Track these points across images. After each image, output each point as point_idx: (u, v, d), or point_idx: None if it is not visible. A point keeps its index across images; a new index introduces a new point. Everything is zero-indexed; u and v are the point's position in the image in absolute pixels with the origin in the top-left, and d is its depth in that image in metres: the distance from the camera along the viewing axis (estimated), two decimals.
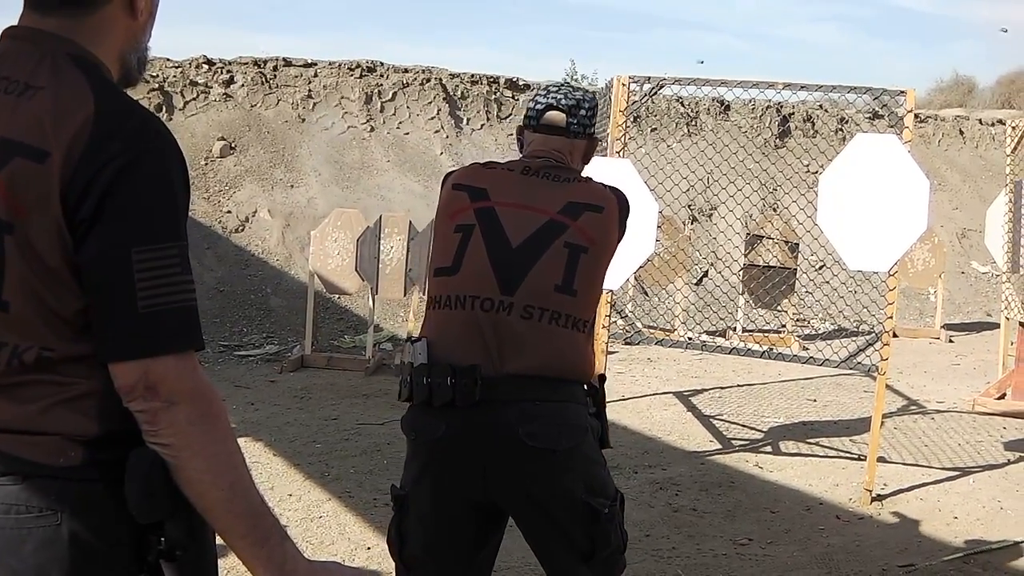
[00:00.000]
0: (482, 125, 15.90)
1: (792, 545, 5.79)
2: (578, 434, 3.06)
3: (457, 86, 15.92)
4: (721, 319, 11.88)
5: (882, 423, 8.26)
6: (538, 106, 3.31)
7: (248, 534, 1.80)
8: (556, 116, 3.28)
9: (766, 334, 11.95)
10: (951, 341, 12.95)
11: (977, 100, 32.27)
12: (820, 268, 16.18)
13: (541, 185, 3.19)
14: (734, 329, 11.91)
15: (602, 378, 3.28)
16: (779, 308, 12.29)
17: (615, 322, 6.98)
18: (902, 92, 6.43)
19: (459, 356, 3.00)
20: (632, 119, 17.02)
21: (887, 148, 6.29)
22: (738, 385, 9.64)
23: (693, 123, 17.67)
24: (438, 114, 15.53)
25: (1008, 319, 9.43)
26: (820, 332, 13.14)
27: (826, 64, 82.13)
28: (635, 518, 6.06)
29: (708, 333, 11.65)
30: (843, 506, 6.45)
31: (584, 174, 3.37)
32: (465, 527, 3.12)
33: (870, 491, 6.48)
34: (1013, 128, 9.18)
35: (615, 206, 3.21)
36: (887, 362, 6.43)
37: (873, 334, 6.58)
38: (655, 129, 16.89)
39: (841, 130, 19.85)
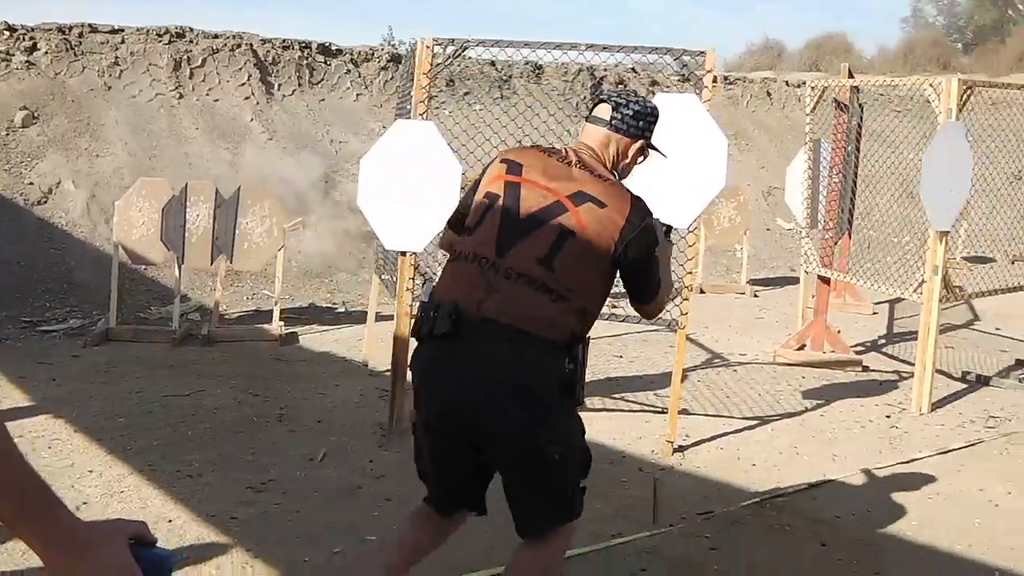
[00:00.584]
0: (294, 91, 15.66)
1: (596, 499, 5.84)
2: (548, 379, 3.42)
3: (268, 52, 15.65)
4: None
5: (685, 376, 8.52)
6: (595, 100, 3.88)
7: (19, 510, 1.65)
8: (603, 109, 3.80)
9: None
10: (756, 296, 13.31)
11: (786, 63, 33.16)
12: None
13: (566, 171, 3.64)
14: None
15: (585, 342, 3.60)
16: None
17: (419, 284, 6.96)
18: (702, 53, 6.55)
19: (451, 298, 3.44)
20: (446, 83, 17.16)
21: (687, 107, 6.41)
22: None
23: (506, 86, 17.74)
24: (249, 80, 15.23)
25: (807, 273, 9.75)
26: None
27: (649, 29, 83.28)
28: None
29: None
30: (646, 458, 6.60)
31: (614, 178, 3.76)
32: (450, 451, 3.61)
33: (672, 443, 6.64)
34: (812, 89, 9.45)
35: (623, 209, 3.55)
36: (687, 316, 6.59)
37: (676, 289, 6.70)
38: (468, 93, 16.91)
39: (652, 92, 20.17)
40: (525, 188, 3.58)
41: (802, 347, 9.39)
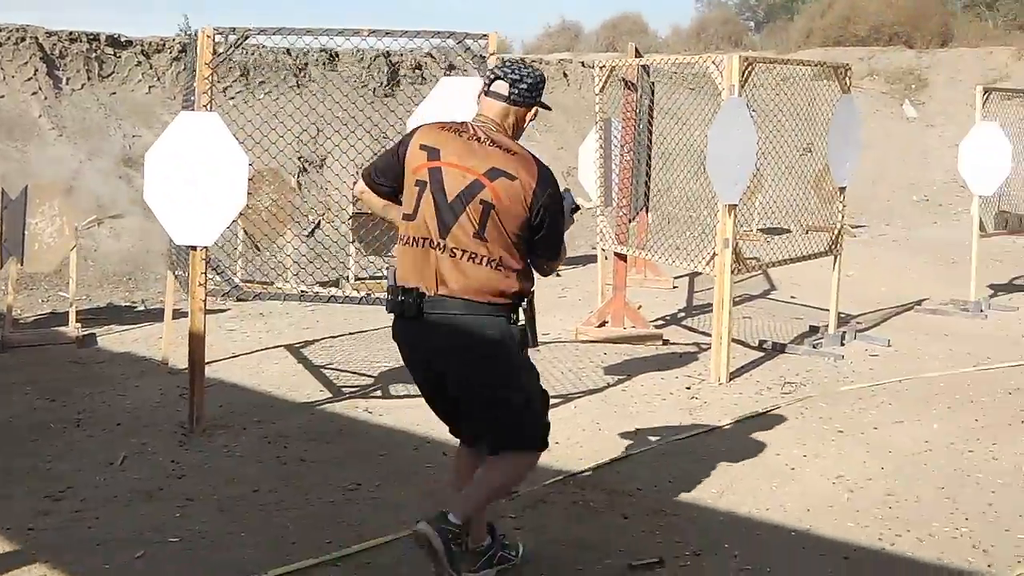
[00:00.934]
0: (83, 85, 15.14)
1: (400, 485, 5.85)
2: (488, 339, 4.19)
3: (55, 45, 15.09)
4: (333, 269, 11.85)
5: None
6: (491, 76, 4.36)
7: None
8: (500, 85, 4.29)
9: (379, 281, 12.01)
10: (559, 275, 13.37)
11: (583, 44, 33.51)
12: None
13: (478, 149, 4.19)
14: (347, 278, 11.88)
15: (530, 297, 4.32)
16: (391, 254, 12.32)
17: (212, 279, 6.79)
18: (484, 36, 6.54)
19: (410, 280, 4.21)
20: (240, 73, 16.83)
21: (471, 90, 6.38)
22: (350, 333, 9.64)
23: (302, 74, 17.50)
24: (35, 75, 14.67)
25: (603, 251, 9.85)
26: None
27: (457, 12, 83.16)
28: (242, 474, 5.99)
29: (321, 284, 11.60)
30: (450, 442, 6.51)
31: (517, 143, 4.31)
32: (433, 390, 4.47)
33: None
34: (601, 69, 9.52)
35: (531, 180, 4.16)
36: None
37: None
38: (263, 82, 16.62)
39: (448, 75, 20.13)
40: (446, 172, 4.17)
41: (603, 324, 9.48)
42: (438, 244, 4.15)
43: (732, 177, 7.74)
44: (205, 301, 6.70)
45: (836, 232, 9.32)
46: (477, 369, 4.26)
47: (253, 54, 16.93)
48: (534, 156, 4.30)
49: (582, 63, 22.05)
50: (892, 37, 28.43)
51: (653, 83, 10.47)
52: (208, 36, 6.58)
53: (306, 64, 17.61)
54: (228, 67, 16.72)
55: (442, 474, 5.94)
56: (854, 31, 29.09)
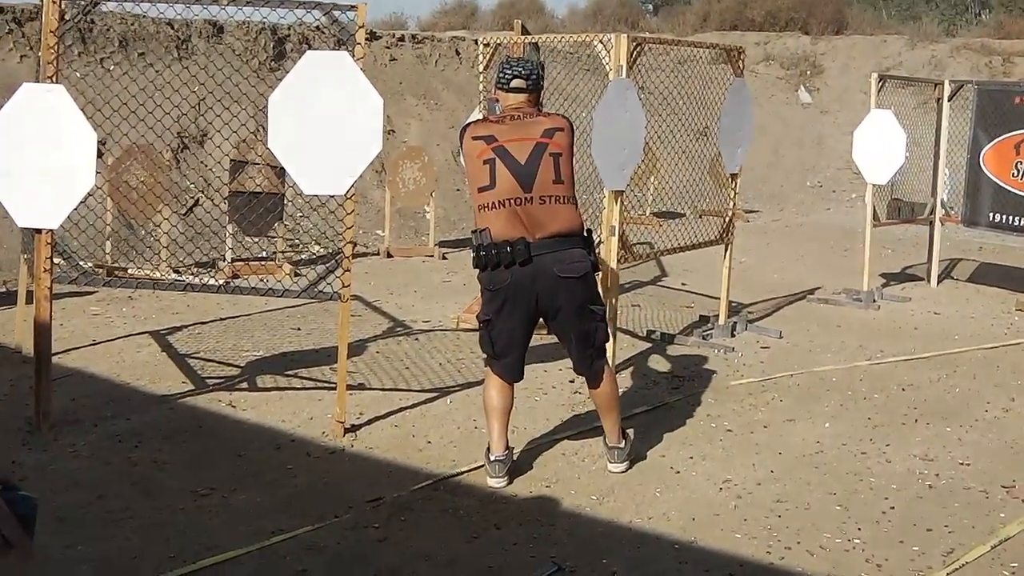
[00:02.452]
0: None
1: (257, 490, 5.42)
2: (585, 266, 5.35)
3: None
4: (213, 248, 11.35)
5: (364, 348, 8.14)
6: (507, 75, 5.52)
7: None
8: (519, 82, 5.50)
9: (262, 262, 11.53)
10: (445, 258, 12.97)
11: (479, 23, 33.03)
12: None
13: (523, 124, 5.40)
14: (223, 259, 11.38)
15: (590, 231, 5.49)
16: (271, 235, 11.87)
17: (57, 264, 6.26)
18: (353, 7, 6.09)
19: (509, 234, 5.21)
20: (118, 43, 16.14)
21: (337, 65, 5.95)
22: (221, 319, 9.09)
23: (184, 47, 16.86)
24: None
25: None
26: (317, 256, 12.83)
27: None
28: (88, 477, 5.54)
29: (197, 265, 11.10)
30: (316, 441, 6.15)
31: (544, 110, 5.70)
32: (526, 329, 5.46)
33: (342, 423, 6.21)
34: (485, 46, 9.10)
35: (568, 126, 5.47)
36: (349, 288, 6.15)
37: (335, 260, 6.26)
38: (143, 53, 15.94)
39: (334, 49, 19.57)
40: (509, 145, 5.30)
41: None
42: (526, 199, 5.23)
43: (618, 162, 7.39)
44: (51, 287, 6.18)
45: (727, 220, 9.03)
46: (582, 291, 5.35)
47: (132, 24, 16.26)
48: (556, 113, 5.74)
49: (475, 41, 21.59)
50: (788, 23, 28.41)
51: (543, 63, 10.08)
52: (54, 2, 6.04)
53: (189, 36, 16.97)
54: (107, 37, 16.10)
55: (305, 476, 5.56)
56: (750, 16, 29.01)
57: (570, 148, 5.44)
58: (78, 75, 13.51)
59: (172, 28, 16.75)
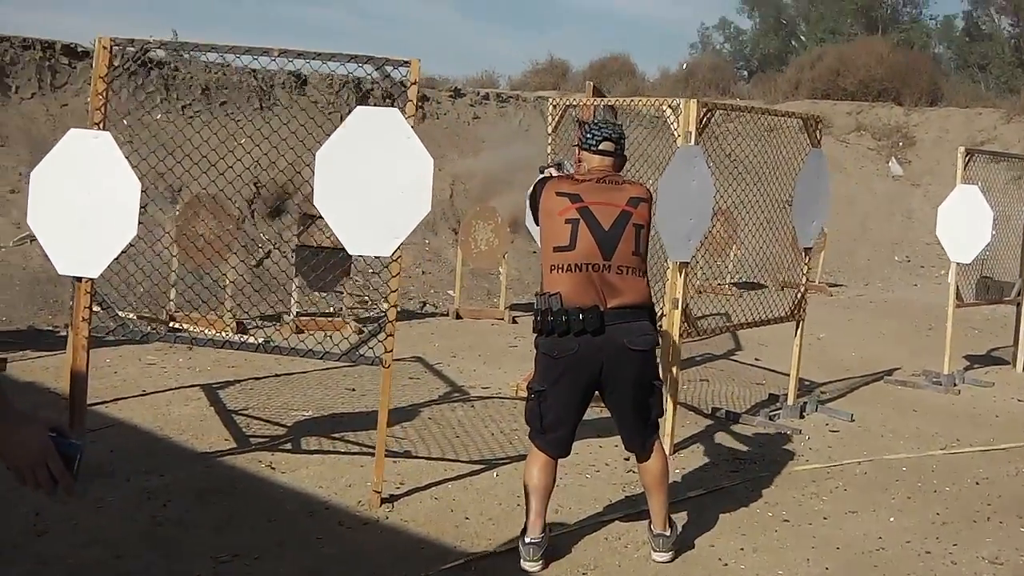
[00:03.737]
0: (33, 94, 14.55)
1: (281, 559, 5.18)
2: (653, 340, 5.22)
3: (6, 51, 14.48)
4: (279, 301, 11.23)
5: (418, 413, 7.90)
6: (597, 138, 5.36)
7: None
8: (609, 146, 5.34)
9: (328, 318, 11.38)
10: (515, 322, 12.74)
11: (570, 83, 32.97)
12: None
13: (610, 189, 5.21)
14: (289, 313, 11.24)
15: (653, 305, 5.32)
16: (338, 291, 11.73)
17: (96, 312, 6.11)
18: (406, 63, 5.90)
19: (582, 301, 4.99)
20: (201, 91, 16.22)
21: (388, 122, 5.76)
22: (276, 375, 8.92)
23: (267, 96, 16.92)
24: None
25: None
26: (381, 315, 12.65)
27: (438, 42, 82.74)
28: (109, 535, 5.32)
29: (263, 317, 10.98)
30: (351, 510, 5.90)
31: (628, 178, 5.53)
32: (582, 402, 5.19)
33: (379, 492, 5.95)
34: (554, 107, 8.89)
35: (650, 197, 5.34)
36: (391, 354, 5.91)
37: (380, 323, 6.04)
38: (224, 103, 15.99)
39: (422, 107, 19.56)
40: (595, 208, 5.11)
41: None
42: (605, 266, 5.05)
43: (684, 232, 7.10)
44: (89, 337, 6.04)
45: (799, 295, 8.68)
46: (646, 364, 5.16)
47: (216, 72, 16.34)
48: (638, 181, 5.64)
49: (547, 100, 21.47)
50: (880, 93, 27.95)
51: (621, 124, 9.84)
52: (104, 47, 5.94)
53: (272, 86, 17.03)
54: (190, 84, 16.18)
55: (332, 547, 5.30)
56: (843, 85, 28.60)
57: (650, 220, 5.32)
58: (158, 122, 13.54)
59: (256, 79, 16.83)
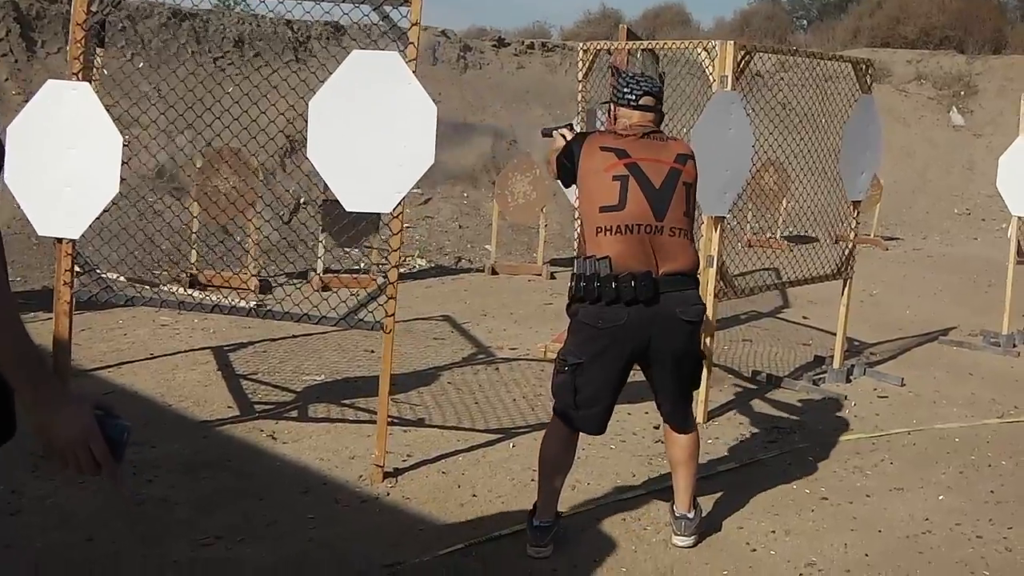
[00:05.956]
0: (59, 49, 14.15)
1: (266, 542, 4.76)
2: (703, 310, 4.79)
3: (32, 5, 14.10)
4: (300, 257, 10.82)
5: (437, 377, 7.46)
6: (637, 92, 4.86)
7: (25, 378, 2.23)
8: (650, 100, 4.87)
9: (355, 275, 10.94)
10: (553, 277, 12.23)
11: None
12: (426, 202, 15.39)
13: (656, 145, 4.77)
14: (315, 270, 10.82)
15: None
16: (366, 246, 11.30)
17: (78, 275, 5.69)
18: (406, 2, 5.40)
19: (634, 266, 4.52)
20: (233, 43, 15.78)
21: (387, 67, 5.27)
22: (293, 336, 8.49)
23: (303, 48, 16.49)
24: (7, 36, 13.69)
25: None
26: (414, 271, 12.23)
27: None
28: (84, 516, 4.94)
29: (287, 275, 10.60)
30: (350, 485, 5.47)
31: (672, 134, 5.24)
32: (622, 377, 4.72)
33: (380, 467, 5.51)
34: (585, 52, 8.37)
35: (693, 155, 4.87)
36: (393, 318, 5.42)
37: (381, 285, 5.58)
38: (258, 54, 15.55)
39: (464, 57, 19.07)
40: (644, 165, 4.68)
41: None
42: (657, 227, 4.61)
43: (719, 185, 6.56)
44: (72, 301, 5.63)
45: (848, 252, 8.11)
46: (694, 336, 4.78)
47: (249, 24, 15.91)
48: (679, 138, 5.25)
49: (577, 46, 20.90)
50: (943, 41, 27.02)
51: (663, 72, 9.29)
52: None
53: (308, 37, 16.58)
54: (222, 36, 15.76)
55: (324, 529, 4.87)
56: (903, 32, 27.67)
57: (696, 179, 4.85)
58: (187, 71, 13.12)
59: (292, 30, 16.40)
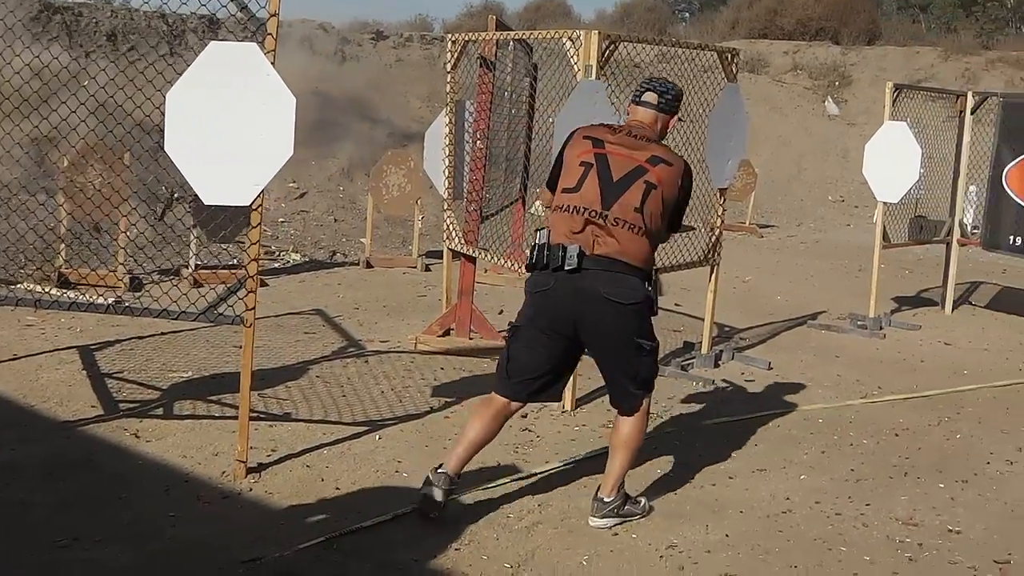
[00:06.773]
0: None
1: (125, 542, 4.69)
2: (638, 296, 4.86)
3: None
4: (178, 254, 10.69)
5: (306, 371, 7.42)
6: (641, 89, 5.22)
7: None
8: (651, 96, 5.19)
9: (231, 271, 10.81)
10: (428, 269, 12.24)
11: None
12: (301, 196, 15.30)
13: (636, 143, 5.03)
14: (187, 266, 10.69)
15: (656, 271, 5.11)
16: (240, 241, 11.18)
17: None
18: None
19: (568, 240, 4.84)
20: (106, 38, 15.49)
21: (245, 59, 5.21)
22: (161, 333, 8.37)
23: (178, 42, 16.28)
24: None
25: (451, 250, 8.58)
26: (288, 265, 12.14)
27: None
28: None
29: (161, 272, 10.46)
30: (212, 482, 5.41)
31: (663, 142, 5.24)
32: (554, 351, 4.97)
33: (243, 462, 5.46)
34: (453, 43, 8.37)
35: (680, 167, 5.08)
36: (253, 312, 5.37)
37: (238, 281, 5.53)
38: (132, 48, 15.30)
39: (341, 51, 18.96)
40: (611, 157, 4.96)
41: (447, 332, 8.36)
42: (602, 215, 4.84)
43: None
44: None
45: (713, 239, 8.23)
46: (626, 319, 4.88)
47: (123, 18, 15.66)
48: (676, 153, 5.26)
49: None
50: (818, 32, 27.55)
51: (536, 63, 9.34)
52: None
53: (184, 31, 16.37)
54: (95, 30, 15.49)
55: (184, 526, 4.83)
56: (780, 24, 28.17)
57: (672, 187, 4.99)
58: (60, 65, 12.85)
59: (166, 23, 16.17)
